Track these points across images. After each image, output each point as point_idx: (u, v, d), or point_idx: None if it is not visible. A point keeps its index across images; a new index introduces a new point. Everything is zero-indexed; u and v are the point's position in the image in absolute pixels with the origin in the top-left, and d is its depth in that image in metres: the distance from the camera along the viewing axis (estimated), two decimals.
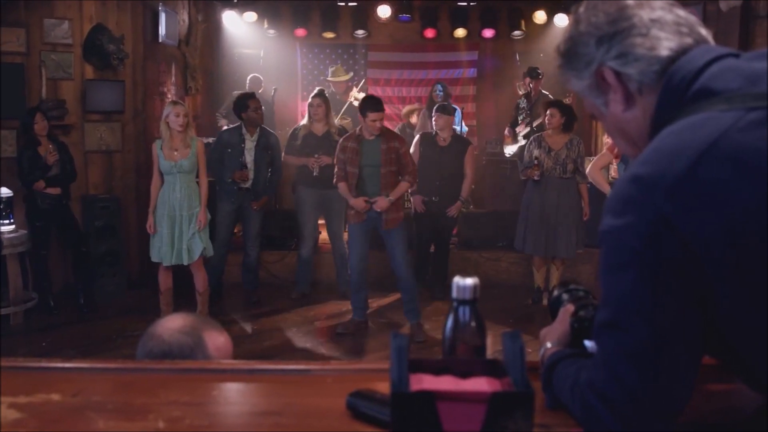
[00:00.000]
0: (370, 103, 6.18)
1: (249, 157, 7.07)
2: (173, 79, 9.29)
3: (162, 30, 8.43)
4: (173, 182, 6.25)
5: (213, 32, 11.08)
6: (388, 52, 11.81)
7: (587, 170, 7.03)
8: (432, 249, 7.85)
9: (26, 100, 7.24)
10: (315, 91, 7.50)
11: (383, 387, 1.26)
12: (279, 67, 11.17)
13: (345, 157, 6.26)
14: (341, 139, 6.45)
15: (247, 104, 7.08)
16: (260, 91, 9.85)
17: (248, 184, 7.08)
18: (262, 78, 10.06)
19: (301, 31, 11.23)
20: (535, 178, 7.16)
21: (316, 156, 7.28)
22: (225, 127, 8.00)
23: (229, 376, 1.53)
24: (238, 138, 7.13)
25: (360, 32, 11.38)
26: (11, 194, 6.74)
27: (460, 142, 7.57)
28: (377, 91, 11.53)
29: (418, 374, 1.15)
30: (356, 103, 9.47)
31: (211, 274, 7.16)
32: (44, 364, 1.55)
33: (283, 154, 7.57)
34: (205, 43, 10.53)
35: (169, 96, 9.08)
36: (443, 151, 7.37)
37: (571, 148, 7.02)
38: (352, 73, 10.66)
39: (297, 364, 1.54)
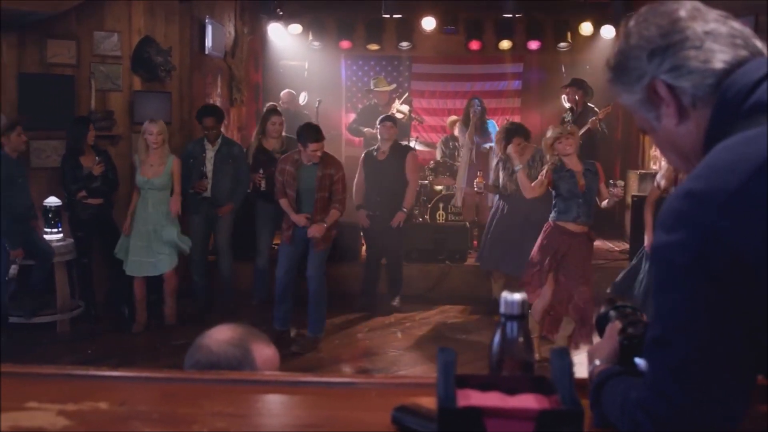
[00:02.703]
0: (310, 133, 6.20)
1: (209, 167, 7.18)
2: (219, 90, 9.39)
3: (208, 42, 8.54)
4: (146, 198, 6.58)
5: (258, 44, 11.20)
6: (433, 64, 11.82)
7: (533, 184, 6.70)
8: (384, 262, 7.79)
9: (76, 111, 7.37)
10: (270, 108, 7.55)
11: (428, 402, 1.25)
12: (323, 79, 11.23)
13: (283, 179, 6.38)
14: (279, 160, 6.56)
15: (202, 116, 7.28)
16: (303, 102, 9.90)
17: (208, 193, 7.17)
18: (295, 92, 10.08)
19: (345, 43, 11.30)
20: (476, 189, 7.25)
21: (260, 172, 7.33)
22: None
23: (273, 387, 1.52)
24: (200, 148, 7.26)
25: (404, 44, 11.42)
26: (60, 203, 6.86)
27: (399, 151, 7.47)
28: (422, 103, 11.56)
29: (465, 390, 1.14)
30: (399, 115, 9.49)
31: (198, 292, 7.48)
32: (92, 372, 1.57)
33: None
34: (250, 55, 10.64)
35: None
36: (381, 164, 7.33)
37: (533, 165, 6.81)
38: (395, 85, 10.68)
39: (341, 377, 1.53)
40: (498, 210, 7.21)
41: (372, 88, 9.81)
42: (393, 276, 7.74)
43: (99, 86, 7.60)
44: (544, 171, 6.09)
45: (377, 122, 7.60)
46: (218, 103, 9.27)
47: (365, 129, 9.22)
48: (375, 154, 7.47)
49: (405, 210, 7.37)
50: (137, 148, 6.74)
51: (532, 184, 6.13)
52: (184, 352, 2.01)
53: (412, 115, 10.06)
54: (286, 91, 10.08)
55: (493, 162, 9.11)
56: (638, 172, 9.33)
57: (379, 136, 7.48)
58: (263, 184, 7.29)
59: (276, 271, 6.57)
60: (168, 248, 6.72)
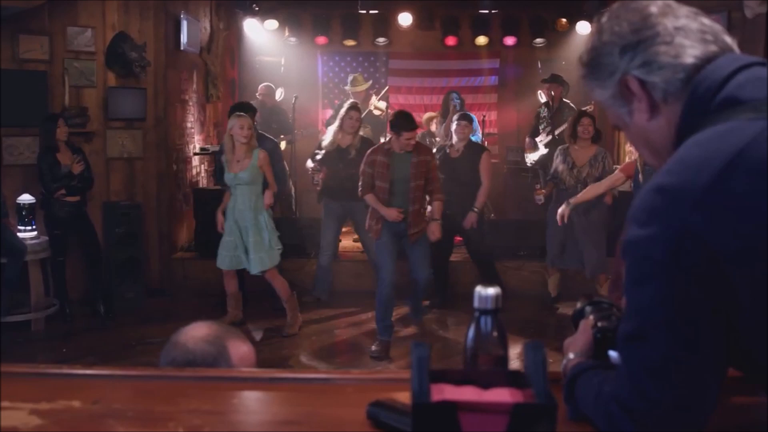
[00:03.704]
0: (404, 122, 6.05)
1: None
2: (194, 86, 9.34)
3: (184, 38, 8.49)
4: (236, 194, 6.40)
5: (234, 40, 11.15)
6: (409, 60, 11.82)
7: (602, 182, 6.80)
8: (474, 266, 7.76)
9: (49, 107, 7.30)
10: (350, 104, 7.42)
11: (404, 397, 1.25)
12: (300, 75, 11.19)
13: (373, 171, 6.15)
14: (369, 152, 6.33)
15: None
16: (280, 98, 9.86)
17: None
18: (273, 86, 10.05)
19: (322, 39, 11.27)
20: (537, 202, 7.23)
21: (315, 165, 7.41)
22: None
23: (250, 384, 1.52)
24: None
25: (381, 40, 11.40)
26: (33, 201, 6.80)
27: (473, 150, 7.38)
28: (399, 99, 11.55)
29: (439, 384, 1.14)
30: (376, 112, 9.49)
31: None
32: (65, 370, 1.56)
33: (309, 160, 7.76)
34: (226, 51, 10.59)
35: (191, 104, 9.14)
36: (455, 162, 7.24)
37: (594, 164, 6.85)
38: (371, 81, 10.66)
39: (317, 373, 1.54)
40: (554, 210, 7.13)
41: (348, 88, 9.76)
42: (488, 274, 7.52)
43: (72, 82, 7.53)
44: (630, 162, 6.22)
45: (456, 119, 7.51)
46: (194, 99, 9.24)
47: None
48: (447, 151, 7.36)
49: (476, 210, 7.20)
50: (224, 148, 6.51)
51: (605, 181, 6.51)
52: (159, 350, 2.00)
53: (389, 111, 10.06)
54: (264, 84, 10.04)
55: None
56: (614, 167, 9.39)
57: (454, 136, 7.40)
58: (317, 176, 7.33)
59: (380, 273, 6.32)
60: (264, 248, 6.45)
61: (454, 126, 7.41)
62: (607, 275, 7.03)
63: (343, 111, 7.29)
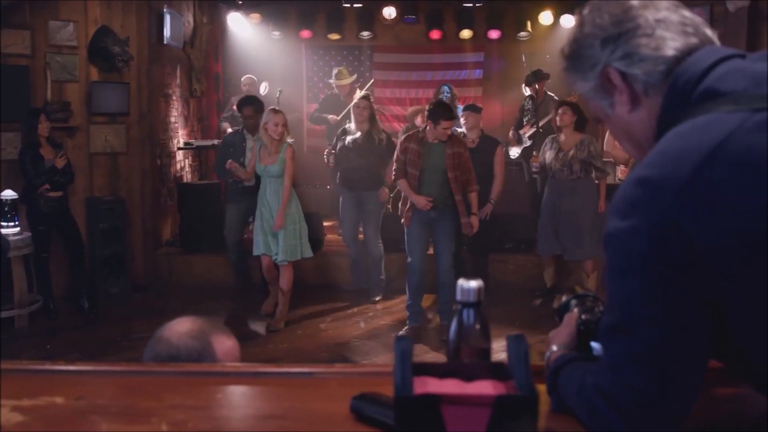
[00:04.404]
0: (443, 111, 6.15)
1: (249, 156, 7.07)
2: (178, 81, 9.30)
3: (167, 32, 8.45)
4: (265, 185, 6.49)
5: (218, 34, 11.09)
6: (394, 54, 11.81)
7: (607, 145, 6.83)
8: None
9: (31, 102, 7.23)
10: (363, 94, 7.51)
11: (388, 390, 1.25)
12: (284, 69, 11.16)
13: (405, 158, 6.25)
14: (403, 138, 6.45)
15: (241, 106, 7.29)
16: (264, 92, 9.83)
17: (252, 183, 7.05)
18: (255, 78, 10.01)
19: (306, 33, 11.25)
20: (533, 169, 7.27)
21: (329, 150, 7.53)
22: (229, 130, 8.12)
23: (234, 379, 1.52)
24: (239, 138, 7.25)
25: (365, 34, 11.40)
26: (16, 196, 6.75)
27: (488, 142, 7.38)
28: (384, 93, 11.55)
29: (422, 377, 1.15)
30: None
31: (235, 273, 7.48)
32: (48, 366, 1.55)
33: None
34: (209, 45, 10.54)
35: (174, 98, 9.10)
36: (472, 153, 7.00)
37: (581, 149, 6.87)
38: (356, 75, 10.63)
39: (301, 367, 1.53)
40: (546, 197, 7.22)
41: (333, 81, 9.74)
42: (481, 268, 7.62)
43: (55, 77, 7.47)
44: None
45: (461, 111, 7.54)
46: (178, 94, 9.20)
47: (329, 116, 9.17)
48: (463, 140, 7.19)
49: (492, 201, 7.25)
50: (262, 140, 6.50)
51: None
52: (144, 345, 1.99)
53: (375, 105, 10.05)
54: (247, 76, 9.99)
55: None
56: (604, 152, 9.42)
57: (464, 126, 7.40)
58: (331, 159, 7.46)
59: (409, 260, 6.44)
60: (294, 239, 6.49)
61: (464, 117, 7.45)
62: (594, 263, 7.08)
63: (352, 103, 7.39)
